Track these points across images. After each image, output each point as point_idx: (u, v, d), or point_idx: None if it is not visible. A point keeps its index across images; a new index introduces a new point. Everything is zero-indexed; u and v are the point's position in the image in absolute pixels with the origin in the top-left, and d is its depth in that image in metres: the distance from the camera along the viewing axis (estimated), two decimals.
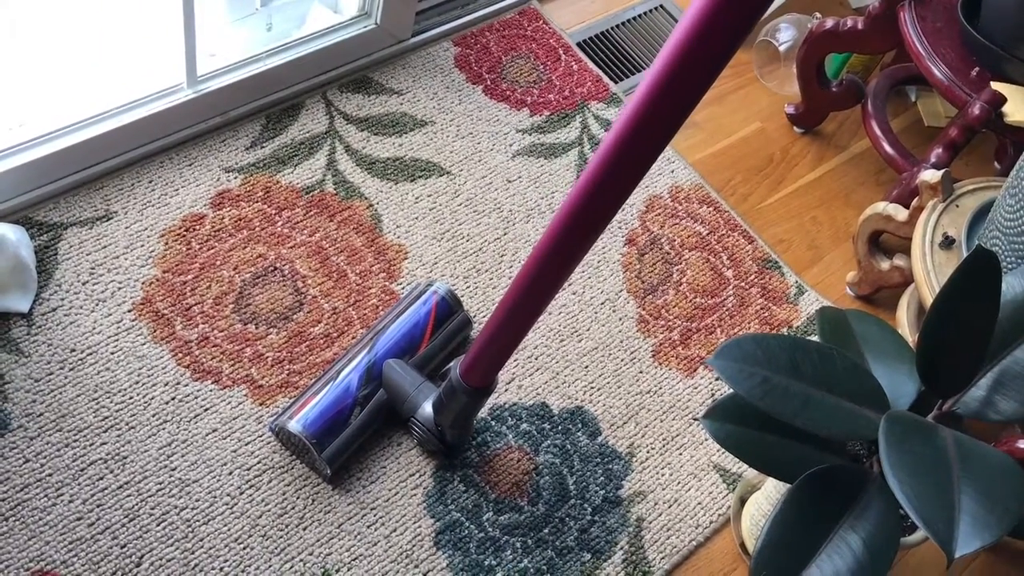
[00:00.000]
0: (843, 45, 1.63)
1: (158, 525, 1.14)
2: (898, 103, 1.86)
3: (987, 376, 0.93)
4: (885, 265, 1.49)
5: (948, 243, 1.32)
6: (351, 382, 1.21)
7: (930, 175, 1.37)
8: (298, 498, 1.19)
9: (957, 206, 1.36)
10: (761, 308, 1.50)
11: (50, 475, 1.14)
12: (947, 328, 0.89)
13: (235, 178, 1.43)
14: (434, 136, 1.55)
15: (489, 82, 1.65)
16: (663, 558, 1.24)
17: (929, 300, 1.26)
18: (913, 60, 1.47)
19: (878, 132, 1.60)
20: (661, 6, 1.89)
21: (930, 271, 1.30)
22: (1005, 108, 1.36)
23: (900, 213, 1.43)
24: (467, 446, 1.27)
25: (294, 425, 1.16)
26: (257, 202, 1.41)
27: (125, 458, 1.17)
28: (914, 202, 1.41)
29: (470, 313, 1.36)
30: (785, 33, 1.79)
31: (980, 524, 0.76)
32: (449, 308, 1.30)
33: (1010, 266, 1.17)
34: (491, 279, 1.43)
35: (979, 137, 1.57)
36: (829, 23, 1.59)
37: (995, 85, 1.37)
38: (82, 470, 1.15)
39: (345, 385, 1.20)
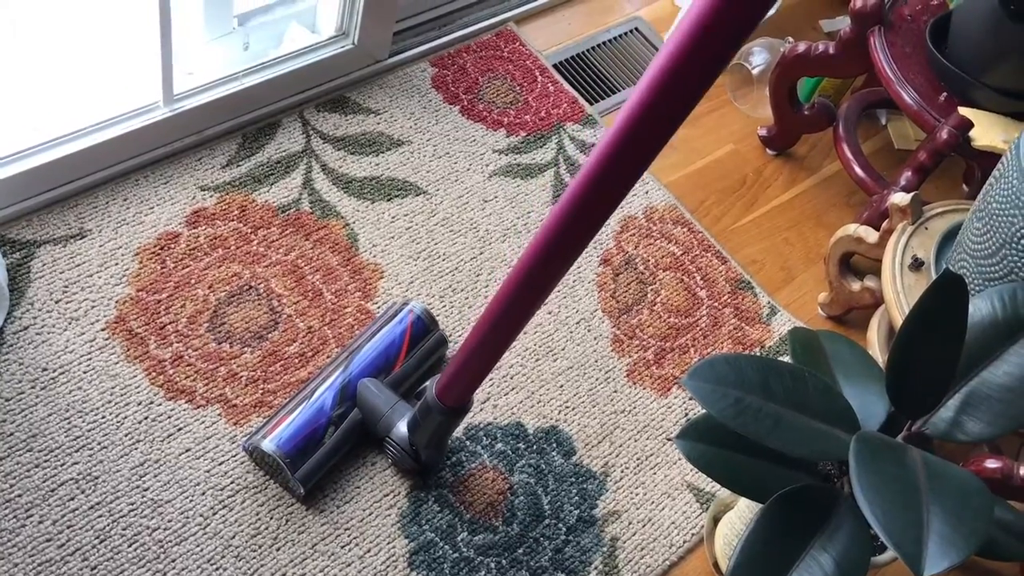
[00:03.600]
0: (815, 69, 1.65)
1: (130, 546, 1.13)
2: (869, 126, 1.89)
3: (955, 397, 0.95)
4: (856, 286, 1.51)
5: (917, 265, 1.34)
6: (325, 401, 1.20)
7: (900, 198, 1.39)
8: (272, 518, 1.18)
9: (926, 228, 1.39)
10: (734, 328, 1.51)
11: (19, 496, 1.13)
12: (916, 350, 0.90)
13: (211, 197, 1.42)
14: (411, 156, 1.56)
15: (466, 102, 1.66)
16: None
17: (899, 321, 1.28)
18: (883, 85, 1.49)
19: (849, 155, 1.63)
20: (636, 29, 1.91)
21: (900, 293, 1.31)
22: (972, 133, 1.38)
23: (871, 235, 1.45)
24: (442, 466, 1.27)
25: (267, 444, 1.16)
26: (233, 221, 1.41)
27: (97, 478, 1.16)
28: (884, 224, 1.43)
29: (446, 332, 1.36)
30: (758, 57, 1.81)
31: (948, 544, 0.77)
32: (425, 327, 1.30)
33: (977, 288, 1.19)
34: (467, 298, 1.43)
35: (948, 160, 1.59)
36: (801, 47, 1.61)
37: (962, 110, 1.39)
38: (52, 490, 1.14)
39: (319, 404, 1.20)
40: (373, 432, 1.22)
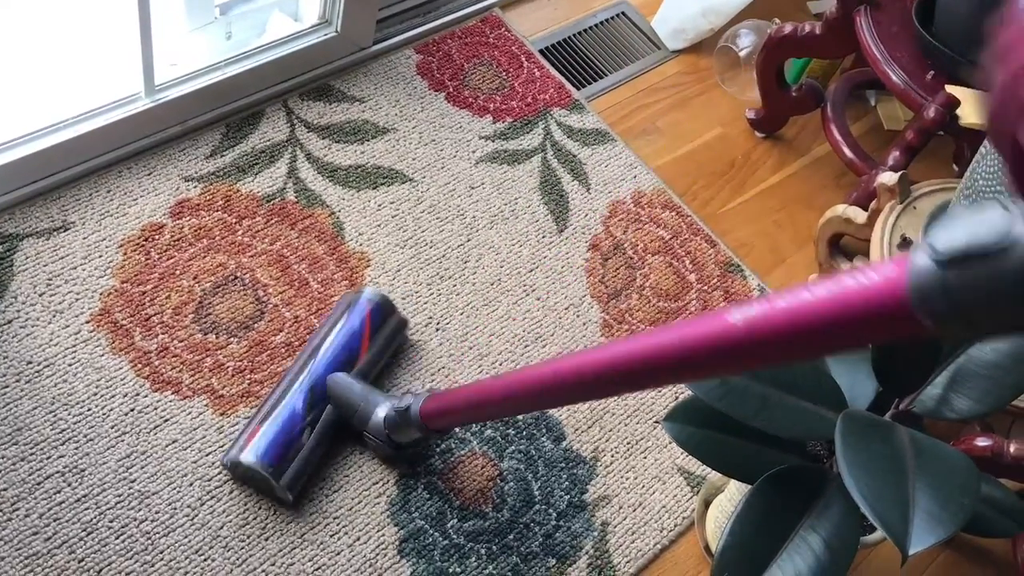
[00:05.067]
0: (802, 50, 1.65)
1: (117, 538, 1.12)
2: (857, 107, 1.88)
3: (942, 375, 0.94)
4: (845, 267, 1.51)
5: (906, 244, 1.33)
6: (296, 404, 1.18)
7: (888, 178, 1.38)
8: (260, 508, 1.18)
9: (915, 208, 1.38)
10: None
11: (4, 489, 1.12)
12: None
13: (195, 187, 1.41)
14: (396, 143, 1.55)
15: (452, 89, 1.65)
16: (628, 562, 1.24)
17: None
18: (870, 65, 1.48)
19: (838, 136, 1.62)
20: (623, 13, 1.90)
21: None
22: (960, 111, 1.38)
23: (859, 216, 1.45)
24: (430, 452, 1.26)
25: (247, 457, 1.13)
26: (217, 211, 1.40)
27: (83, 471, 1.15)
28: (872, 204, 1.42)
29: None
30: (745, 39, 1.80)
31: (934, 521, 0.77)
32: (383, 314, 1.29)
33: None
34: (455, 285, 1.42)
35: (938, 139, 1.59)
36: (788, 29, 1.60)
37: (949, 88, 1.38)
38: (39, 484, 1.13)
39: (291, 408, 1.18)
40: (350, 426, 1.21)
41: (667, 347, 0.71)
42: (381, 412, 1.18)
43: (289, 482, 1.15)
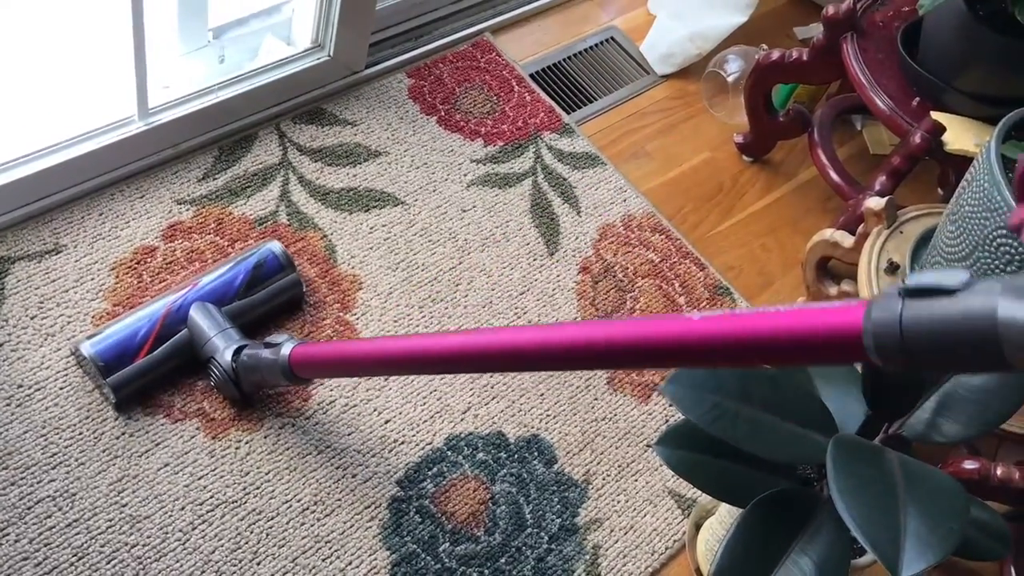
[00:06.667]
0: (789, 76, 1.67)
1: (108, 563, 1.12)
2: (844, 131, 1.91)
3: (931, 399, 0.95)
4: (833, 291, 1.52)
5: (893, 269, 1.35)
6: (152, 318, 1.23)
7: (875, 202, 1.40)
8: (252, 533, 1.18)
9: (901, 232, 1.40)
10: None
11: None
12: None
13: (187, 210, 1.42)
14: (388, 167, 1.56)
15: (443, 113, 1.66)
16: None
17: None
18: (856, 91, 1.50)
19: (824, 160, 1.64)
20: (612, 38, 1.92)
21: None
22: (945, 137, 1.40)
23: (846, 240, 1.46)
24: (422, 476, 1.26)
25: (86, 347, 1.19)
26: (209, 234, 1.40)
27: (74, 495, 1.15)
28: (859, 229, 1.44)
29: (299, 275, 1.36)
30: (733, 64, 1.82)
31: (925, 545, 0.78)
32: (279, 266, 1.32)
33: None
34: (446, 308, 1.43)
35: (924, 164, 1.61)
36: (775, 55, 1.63)
37: (934, 115, 1.41)
38: (29, 508, 1.13)
39: (147, 320, 1.23)
40: (199, 354, 1.24)
41: (623, 337, 0.74)
42: (230, 352, 1.20)
43: (116, 383, 1.19)
